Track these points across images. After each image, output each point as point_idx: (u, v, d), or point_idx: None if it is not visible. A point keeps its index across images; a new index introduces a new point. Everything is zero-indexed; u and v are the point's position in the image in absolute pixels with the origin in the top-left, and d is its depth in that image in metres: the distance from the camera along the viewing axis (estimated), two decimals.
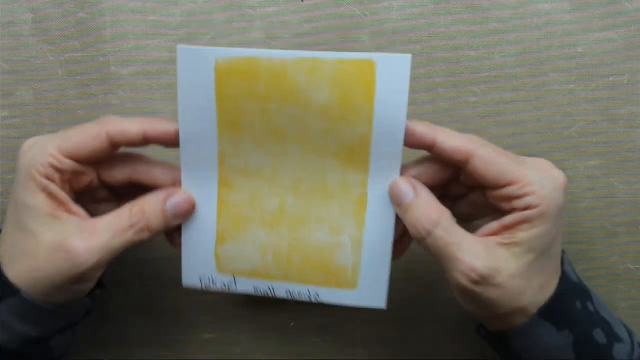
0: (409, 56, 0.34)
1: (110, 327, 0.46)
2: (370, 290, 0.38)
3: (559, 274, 0.35)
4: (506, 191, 0.33)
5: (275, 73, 0.35)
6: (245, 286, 0.39)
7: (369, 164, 0.36)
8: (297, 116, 0.35)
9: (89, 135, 0.34)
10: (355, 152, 0.36)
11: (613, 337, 0.34)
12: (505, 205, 0.34)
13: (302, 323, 0.46)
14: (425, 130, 0.34)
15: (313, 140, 0.36)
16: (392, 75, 0.34)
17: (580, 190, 0.44)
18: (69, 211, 0.35)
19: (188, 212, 0.37)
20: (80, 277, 0.33)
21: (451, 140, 0.34)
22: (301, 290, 0.39)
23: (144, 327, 0.46)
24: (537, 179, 0.33)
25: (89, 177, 0.36)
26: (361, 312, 0.45)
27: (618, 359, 0.34)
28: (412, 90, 0.43)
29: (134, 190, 0.37)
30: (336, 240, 0.38)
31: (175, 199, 0.36)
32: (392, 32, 0.43)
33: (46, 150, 0.34)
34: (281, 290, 0.39)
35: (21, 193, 0.34)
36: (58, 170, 0.34)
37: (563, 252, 0.36)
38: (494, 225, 0.34)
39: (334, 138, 0.36)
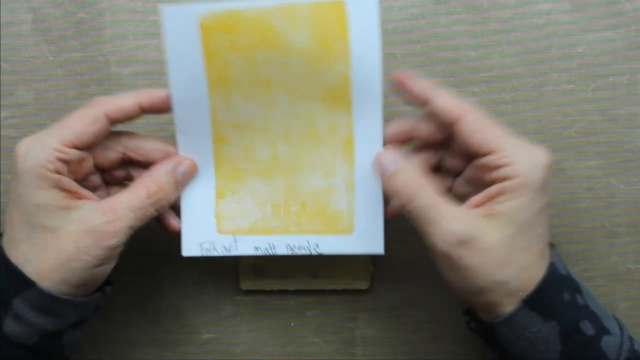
0: None
1: (110, 327, 0.46)
2: (366, 234, 0.39)
3: (545, 262, 0.35)
4: (486, 160, 0.34)
5: (257, 22, 0.36)
6: (246, 247, 0.40)
7: (351, 104, 0.38)
8: (281, 63, 0.37)
9: (88, 120, 0.35)
10: (337, 93, 0.38)
11: (601, 329, 0.34)
12: (487, 177, 0.34)
13: (302, 323, 0.46)
14: (424, 87, 0.36)
15: (298, 85, 0.38)
16: (362, 13, 0.36)
17: (580, 190, 0.44)
18: (81, 197, 0.36)
19: (192, 177, 0.39)
20: (110, 257, 0.35)
21: (445, 101, 0.35)
22: (301, 243, 0.40)
23: (144, 327, 0.46)
24: (516, 152, 0.34)
25: (89, 162, 0.37)
26: (361, 312, 0.45)
27: (606, 351, 0.34)
28: None
29: (124, 172, 0.39)
30: (330, 184, 0.39)
31: (183, 168, 0.38)
32: (392, 32, 0.43)
33: (49, 146, 0.34)
34: (281, 245, 0.40)
35: (30, 194, 0.34)
36: (65, 162, 0.35)
37: (552, 245, 0.36)
38: (477, 197, 0.35)
39: (317, 81, 0.37)
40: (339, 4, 0.36)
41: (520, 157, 0.33)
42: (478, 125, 0.34)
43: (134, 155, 0.38)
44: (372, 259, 0.44)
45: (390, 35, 0.43)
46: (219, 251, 0.40)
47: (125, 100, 0.36)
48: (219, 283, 0.45)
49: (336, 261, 0.44)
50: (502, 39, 0.43)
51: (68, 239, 0.34)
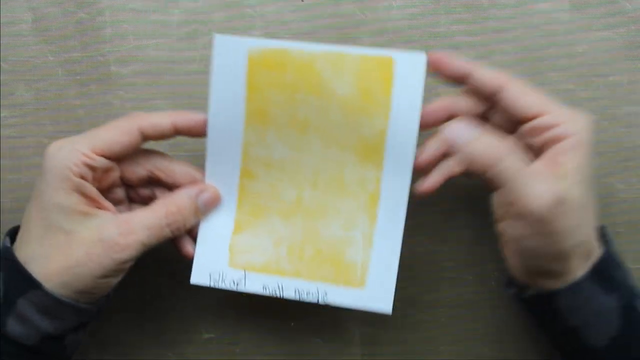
0: (424, 56, 0.36)
1: (110, 327, 0.46)
2: (377, 291, 0.39)
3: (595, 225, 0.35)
4: (536, 123, 0.34)
5: (303, 64, 0.37)
6: (255, 284, 0.39)
7: (383, 160, 0.38)
8: (320, 107, 0.37)
9: (121, 131, 0.36)
10: (371, 147, 0.38)
11: None
12: (537, 140, 0.35)
13: (302, 323, 0.46)
14: (463, 62, 0.36)
15: (333, 132, 0.38)
16: (408, 72, 0.36)
17: None
18: (101, 207, 0.36)
19: (215, 207, 0.39)
20: (117, 270, 0.35)
21: (486, 72, 0.35)
22: (310, 289, 0.39)
23: (144, 327, 0.46)
24: (564, 113, 0.34)
25: (116, 173, 0.37)
26: (361, 312, 0.45)
27: None
28: None
29: (149, 191, 0.39)
30: (348, 235, 0.39)
31: (206, 196, 0.38)
32: (391, 31, 0.43)
33: (78, 150, 0.34)
34: (290, 288, 0.39)
35: (51, 193, 0.34)
36: (91, 168, 0.35)
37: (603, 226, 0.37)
38: (541, 161, 0.34)
39: (352, 131, 0.38)
40: (387, 60, 0.36)
41: (569, 117, 0.34)
42: (522, 91, 0.35)
43: (161, 175, 0.38)
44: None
45: (390, 34, 0.43)
46: (227, 284, 0.39)
47: (161, 118, 0.36)
48: None
49: None
50: (501, 38, 0.43)
51: (80, 244, 0.34)
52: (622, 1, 0.43)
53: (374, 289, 0.39)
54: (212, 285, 0.39)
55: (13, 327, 0.34)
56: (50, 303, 0.34)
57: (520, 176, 0.34)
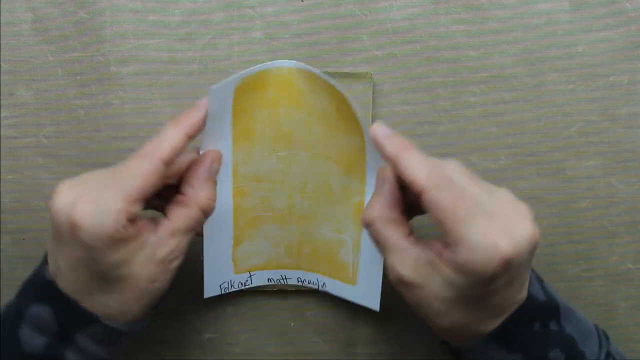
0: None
1: None
2: (366, 289, 0.42)
3: (509, 308, 0.33)
4: (445, 236, 0.32)
5: (283, 80, 0.38)
6: (260, 279, 0.43)
7: (366, 174, 0.39)
8: (303, 120, 0.39)
9: (147, 173, 0.34)
10: (353, 162, 0.39)
11: (574, 354, 0.33)
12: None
13: (302, 323, 0.46)
14: (391, 150, 0.34)
15: (317, 144, 0.40)
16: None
17: (580, 190, 0.44)
18: (142, 231, 0.34)
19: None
20: (174, 274, 0.36)
21: (410, 170, 0.33)
22: (311, 278, 0.43)
23: None
24: (472, 237, 0.31)
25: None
26: (361, 312, 0.45)
27: None
28: (412, 90, 0.43)
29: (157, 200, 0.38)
30: (339, 238, 0.41)
31: (216, 166, 0.38)
32: (391, 31, 0.43)
33: (116, 210, 0.32)
34: (293, 278, 0.43)
35: (103, 257, 0.33)
36: (132, 218, 0.34)
37: (531, 270, 0.35)
38: (438, 245, 0.33)
39: (334, 145, 0.39)
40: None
41: (472, 244, 0.30)
42: (437, 205, 0.32)
43: (172, 182, 0.37)
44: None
45: (390, 35, 0.43)
46: (236, 287, 0.43)
47: (174, 138, 0.35)
48: None
49: None
50: (502, 39, 0.43)
51: (140, 277, 0.34)
52: (622, 1, 0.43)
53: (363, 288, 0.42)
54: (223, 292, 0.42)
55: (70, 358, 0.35)
56: (108, 332, 0.35)
57: (381, 246, 0.34)
